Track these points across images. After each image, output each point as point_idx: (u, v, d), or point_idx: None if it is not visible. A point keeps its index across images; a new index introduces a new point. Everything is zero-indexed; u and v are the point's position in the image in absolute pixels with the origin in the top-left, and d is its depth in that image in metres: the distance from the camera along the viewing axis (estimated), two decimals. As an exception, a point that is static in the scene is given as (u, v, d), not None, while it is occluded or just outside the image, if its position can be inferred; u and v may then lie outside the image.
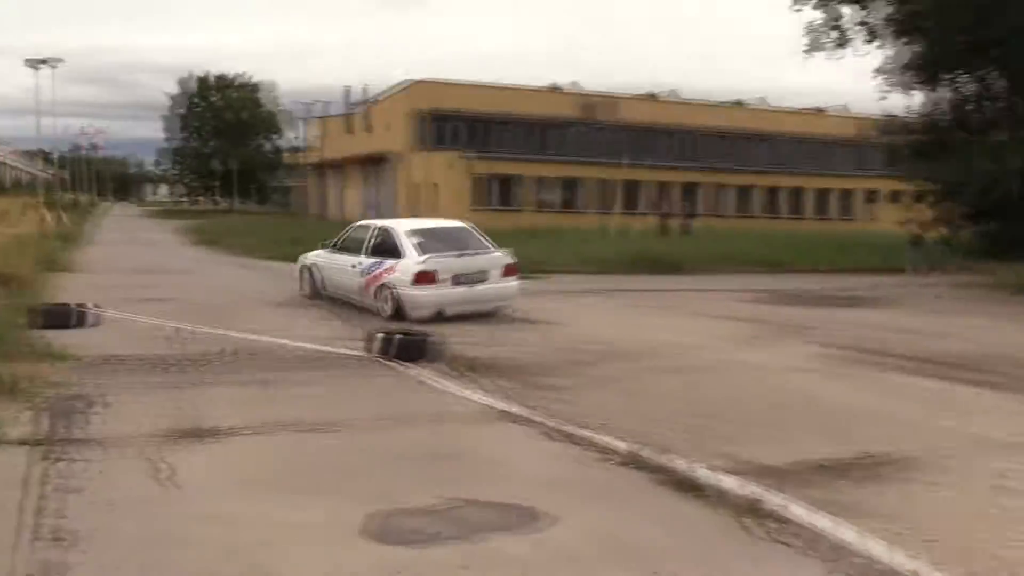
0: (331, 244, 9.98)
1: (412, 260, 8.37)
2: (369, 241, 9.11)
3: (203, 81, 56.30)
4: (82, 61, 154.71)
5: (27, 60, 30.44)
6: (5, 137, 59.50)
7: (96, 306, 8.38)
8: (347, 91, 45.07)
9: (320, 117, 53.80)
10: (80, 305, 8.19)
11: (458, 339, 7.16)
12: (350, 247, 9.49)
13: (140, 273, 14.17)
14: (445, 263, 8.33)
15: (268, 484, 3.74)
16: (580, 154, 34.50)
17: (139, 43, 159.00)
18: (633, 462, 3.88)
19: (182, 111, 56.31)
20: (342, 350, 6.92)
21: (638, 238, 18.87)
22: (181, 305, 10.09)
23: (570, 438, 4.34)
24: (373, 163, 39.29)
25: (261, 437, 4.51)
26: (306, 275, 10.32)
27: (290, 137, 59.16)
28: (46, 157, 29.32)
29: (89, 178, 72.90)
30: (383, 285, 8.59)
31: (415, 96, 34.79)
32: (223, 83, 56.53)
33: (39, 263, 12.89)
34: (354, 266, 9.14)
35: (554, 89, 36.72)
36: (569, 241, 18.70)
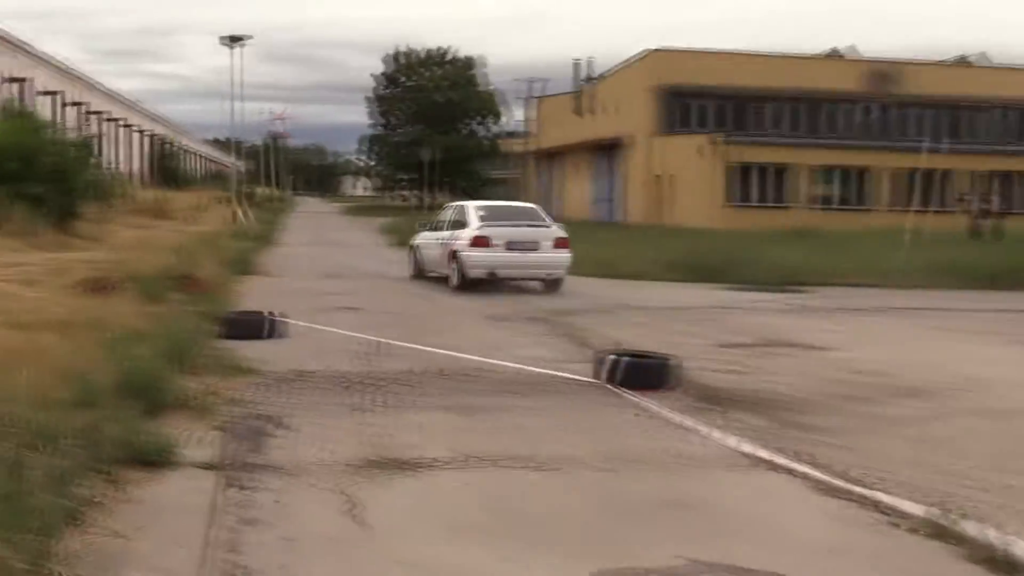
0: (428, 226, 15.21)
1: (472, 228, 13.53)
2: (450, 219, 14.36)
3: (408, 57, 61.00)
4: (277, 37, 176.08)
5: (222, 38, 31.90)
6: (191, 124, 70.79)
7: (281, 315, 9.32)
8: (576, 65, 45.60)
9: (540, 97, 56.70)
10: (273, 314, 9.16)
11: (700, 365, 7.57)
12: (439, 226, 14.66)
13: (331, 278, 15.76)
14: (499, 231, 13.36)
15: (477, 529, 3.90)
16: (867, 137, 32.99)
17: (345, 16, 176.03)
18: (930, 529, 3.85)
19: (386, 91, 61.75)
20: (563, 373, 7.25)
21: (939, 242, 18.75)
22: (375, 315, 10.99)
23: (844, 495, 4.34)
24: (604, 150, 40.14)
25: (466, 473, 4.73)
26: (411, 257, 15.63)
27: (505, 121, 63.27)
28: (237, 147, 34.71)
29: (278, 170, 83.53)
30: (453, 252, 13.56)
31: (654, 68, 34.97)
32: (432, 59, 60.80)
33: (226, 265, 14.79)
34: (439, 240, 14.35)
35: (831, 56, 35.20)
36: (847, 245, 18.98)
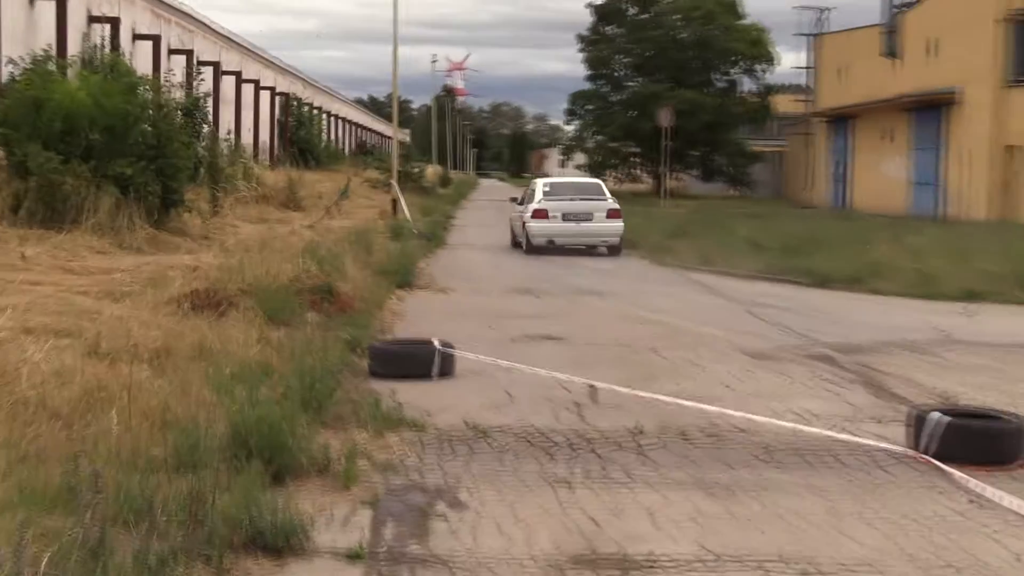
0: (518, 200, 26.01)
1: (535, 202, 24.12)
2: (527, 194, 25.54)
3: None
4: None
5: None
6: (333, 78, 74.82)
7: (453, 346, 9.70)
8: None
9: (821, 34, 55.75)
10: (443, 344, 9.56)
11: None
12: (522, 201, 25.39)
13: (522, 294, 16.55)
14: (557, 204, 23.91)
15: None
16: None
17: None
18: None
19: (607, 29, 63.84)
20: (858, 438, 7.39)
21: None
22: (585, 347, 11.32)
23: None
24: (927, 110, 40.17)
25: (721, 582, 4.87)
26: (510, 229, 26.28)
27: (763, 71, 62.40)
28: (399, 109, 36.16)
29: (455, 141, 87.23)
30: (523, 223, 24.15)
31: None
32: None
33: (379, 275, 15.64)
34: (519, 213, 25.11)
35: None
36: None
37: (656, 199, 47.81)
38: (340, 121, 61.27)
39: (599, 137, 65.85)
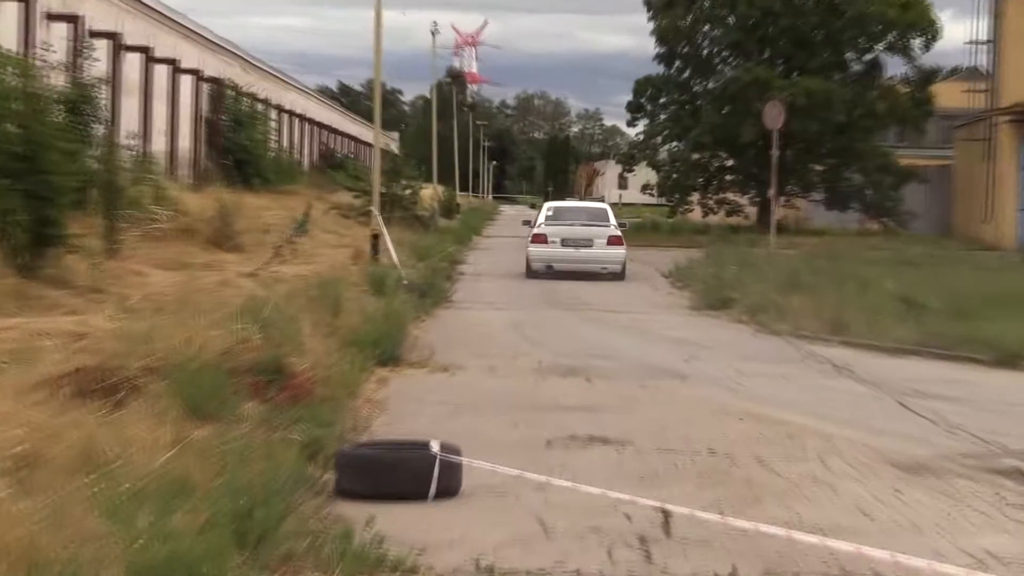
0: (530, 224, 38.15)
1: (536, 226, 36.28)
2: (533, 218, 38.96)
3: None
4: None
5: None
6: (286, 57, 75.48)
7: (451, 449, 9.71)
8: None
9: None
10: (444, 449, 9.57)
11: None
12: (532, 225, 37.29)
13: (563, 374, 16.70)
14: (556, 229, 35.46)
15: None
16: None
17: None
18: None
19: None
20: None
21: None
22: (658, 456, 11.39)
23: None
24: None
25: None
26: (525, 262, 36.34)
27: (920, 48, 62.54)
28: (383, 102, 36.21)
29: (466, 150, 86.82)
30: (527, 246, 36.38)
31: None
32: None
33: (352, 345, 15.74)
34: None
35: None
36: None
37: (762, 235, 47.88)
38: (297, 120, 61.71)
39: (676, 145, 66.19)
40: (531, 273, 34.29)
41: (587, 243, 34.35)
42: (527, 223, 38.42)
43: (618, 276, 34.06)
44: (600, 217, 36.16)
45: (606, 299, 28.88)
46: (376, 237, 30.81)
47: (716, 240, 49.41)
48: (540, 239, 34.66)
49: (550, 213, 36.17)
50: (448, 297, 26.99)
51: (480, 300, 27.60)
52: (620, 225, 37.10)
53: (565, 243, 34.21)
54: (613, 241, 34.36)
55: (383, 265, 28.14)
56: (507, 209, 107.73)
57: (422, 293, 25.09)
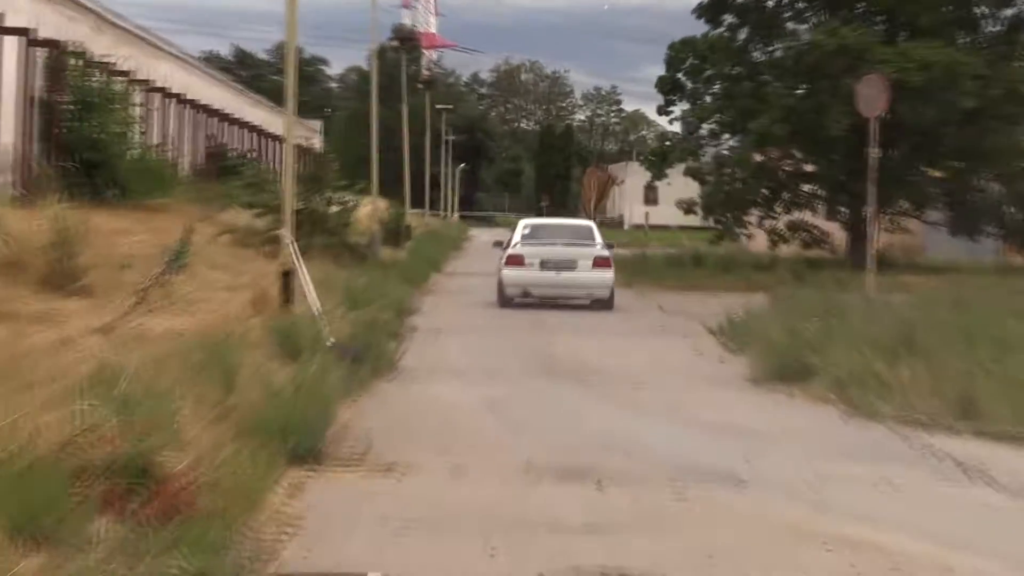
0: (502, 245, 48.83)
1: (511, 247, 45.78)
2: (511, 237, 49.20)
3: None
4: None
5: None
6: (149, 8, 75.58)
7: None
8: None
9: None
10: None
11: None
12: (506, 246, 46.89)
13: (562, 478, 16.65)
14: (534, 249, 44.68)
15: None
16: None
17: None
18: None
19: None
20: None
21: None
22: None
23: None
24: None
25: None
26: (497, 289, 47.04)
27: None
28: (309, 76, 36.04)
29: (414, 147, 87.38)
30: (499, 269, 46.19)
31: None
32: None
33: (254, 434, 15.73)
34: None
35: None
36: None
37: (855, 273, 47.92)
38: (173, 102, 61.63)
39: (729, 140, 66.40)
40: (504, 301, 41.87)
41: (570, 265, 42.50)
42: (499, 244, 47.34)
43: (605, 304, 42.02)
44: (584, 235, 44.81)
45: (626, 364, 29.02)
46: (288, 275, 30.68)
47: (788, 280, 49.54)
48: (515, 261, 42.47)
49: (527, 231, 44.59)
50: (394, 363, 27.06)
51: (441, 367, 27.71)
52: (607, 246, 44.57)
53: (545, 265, 42.23)
54: (600, 263, 42.49)
55: (298, 316, 28.09)
56: (480, 234, 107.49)
57: (356, 358, 25.05)
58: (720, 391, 25.44)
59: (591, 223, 49.23)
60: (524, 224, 45.02)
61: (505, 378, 26.35)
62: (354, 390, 22.41)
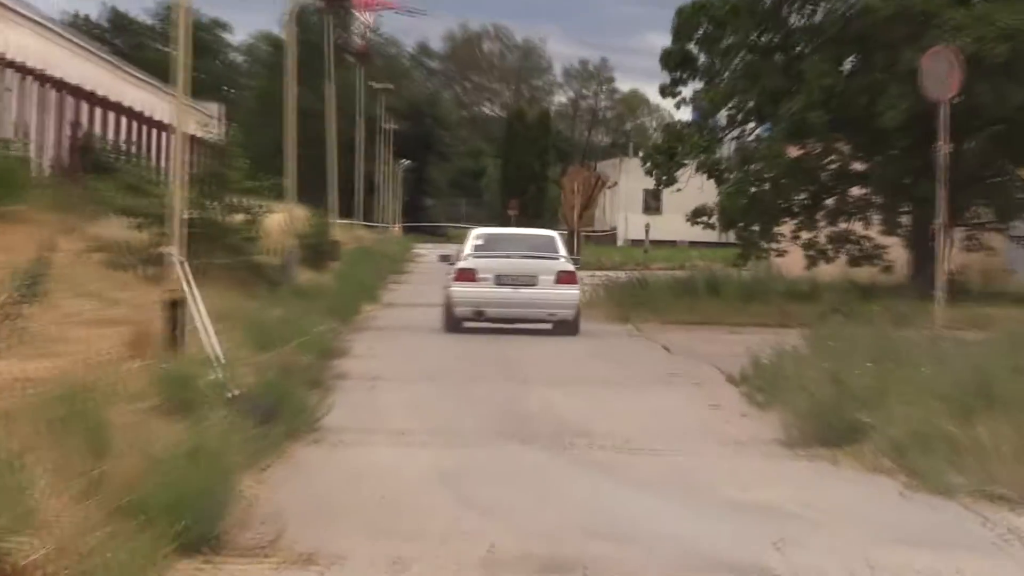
0: (449, 260, 60.89)
1: (461, 260, 54.12)
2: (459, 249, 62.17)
3: None
4: None
5: None
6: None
7: None
8: None
9: None
10: None
11: None
12: (454, 260, 56.50)
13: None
14: (487, 263, 52.20)
15: None
16: None
17: None
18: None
19: None
20: None
21: None
22: None
23: None
24: None
25: None
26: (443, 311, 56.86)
27: None
28: (205, 46, 35.86)
29: (343, 139, 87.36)
30: (447, 286, 55.14)
31: None
32: None
33: (136, 515, 15.64)
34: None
35: None
36: None
37: (919, 302, 48.13)
38: (27, 80, 61.71)
39: (756, 129, 66.60)
40: (452, 324, 47.30)
41: (530, 281, 47.60)
42: (446, 258, 53.97)
43: (570, 328, 47.05)
44: (546, 247, 50.23)
45: (621, 424, 28.98)
46: (176, 306, 30.69)
47: (831, 312, 49.45)
48: (466, 276, 47.56)
49: (480, 242, 49.80)
50: (317, 421, 26.85)
51: (378, 426, 27.68)
52: (573, 260, 50.25)
53: (501, 281, 47.44)
54: (564, 279, 47.37)
55: (190, 360, 28.09)
56: (429, 252, 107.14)
57: (267, 414, 24.99)
58: (743, 457, 25.40)
59: (553, 234, 53.47)
60: (476, 234, 49.99)
61: (463, 441, 26.31)
62: (264, 456, 22.22)
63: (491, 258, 44.87)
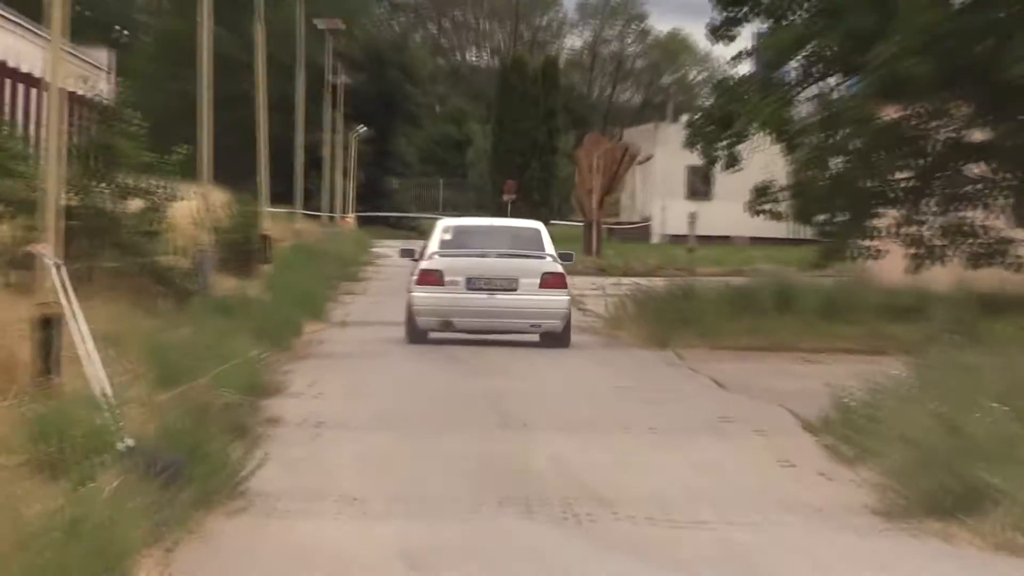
0: (413, 256, 71.99)
1: (425, 258, 64.03)
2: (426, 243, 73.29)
3: None
4: None
5: None
6: None
7: None
8: None
9: None
10: None
11: None
12: (419, 256, 67.16)
13: None
14: (456, 262, 61.44)
15: None
16: None
17: None
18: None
19: None
20: None
21: None
22: None
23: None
24: None
25: None
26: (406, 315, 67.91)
27: None
28: None
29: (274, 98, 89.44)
30: (408, 290, 65.80)
31: None
32: None
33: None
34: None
35: None
36: None
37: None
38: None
39: (838, 84, 66.88)
40: (416, 335, 51.27)
41: (508, 284, 51.40)
42: (409, 253, 55.93)
43: (559, 339, 49.99)
44: (529, 242, 54.01)
45: (658, 486, 29.01)
46: (51, 324, 30.74)
47: (943, 333, 49.49)
48: (431, 278, 51.47)
49: (448, 236, 53.40)
50: (240, 483, 26.74)
51: (323, 489, 27.58)
52: (564, 257, 51.05)
53: (472, 285, 51.66)
54: (550, 282, 50.41)
55: (69, 397, 28.08)
56: (392, 252, 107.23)
57: (173, 473, 24.97)
58: (824, 533, 25.23)
59: (538, 226, 56.23)
60: (444, 226, 51.26)
61: (437, 512, 26.17)
62: (169, 532, 22.05)
63: (461, 256, 46.75)
